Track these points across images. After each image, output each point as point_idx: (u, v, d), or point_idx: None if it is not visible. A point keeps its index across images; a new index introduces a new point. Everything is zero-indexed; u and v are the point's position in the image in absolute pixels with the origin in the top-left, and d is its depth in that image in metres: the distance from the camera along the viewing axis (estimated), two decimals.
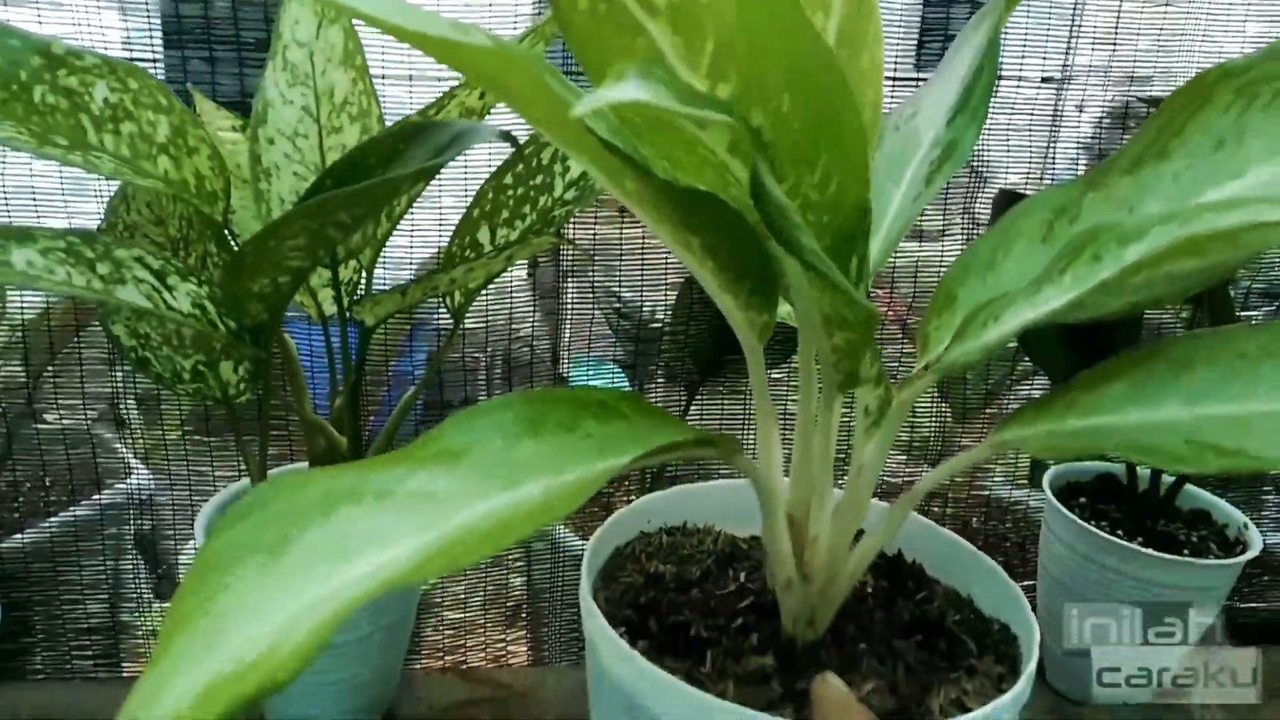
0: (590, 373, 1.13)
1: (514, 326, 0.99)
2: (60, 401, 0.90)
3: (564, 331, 1.02)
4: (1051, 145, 0.99)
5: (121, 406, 0.91)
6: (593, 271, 0.97)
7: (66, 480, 0.93)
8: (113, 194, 0.79)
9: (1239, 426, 0.44)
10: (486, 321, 0.96)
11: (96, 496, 0.93)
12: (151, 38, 0.82)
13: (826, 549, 0.60)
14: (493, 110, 0.75)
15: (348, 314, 0.74)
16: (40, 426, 0.93)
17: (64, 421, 0.92)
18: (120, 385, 0.90)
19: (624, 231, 0.92)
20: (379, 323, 0.70)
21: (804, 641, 0.60)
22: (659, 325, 1.00)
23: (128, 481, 0.95)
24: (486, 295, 0.91)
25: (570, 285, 1.03)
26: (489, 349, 1.02)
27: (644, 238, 0.93)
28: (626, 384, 1.21)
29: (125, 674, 0.95)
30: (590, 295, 0.99)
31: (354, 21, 0.73)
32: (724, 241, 0.49)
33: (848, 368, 0.54)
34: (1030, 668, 0.55)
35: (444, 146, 0.56)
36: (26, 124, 0.66)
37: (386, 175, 0.56)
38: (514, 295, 0.95)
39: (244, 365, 0.78)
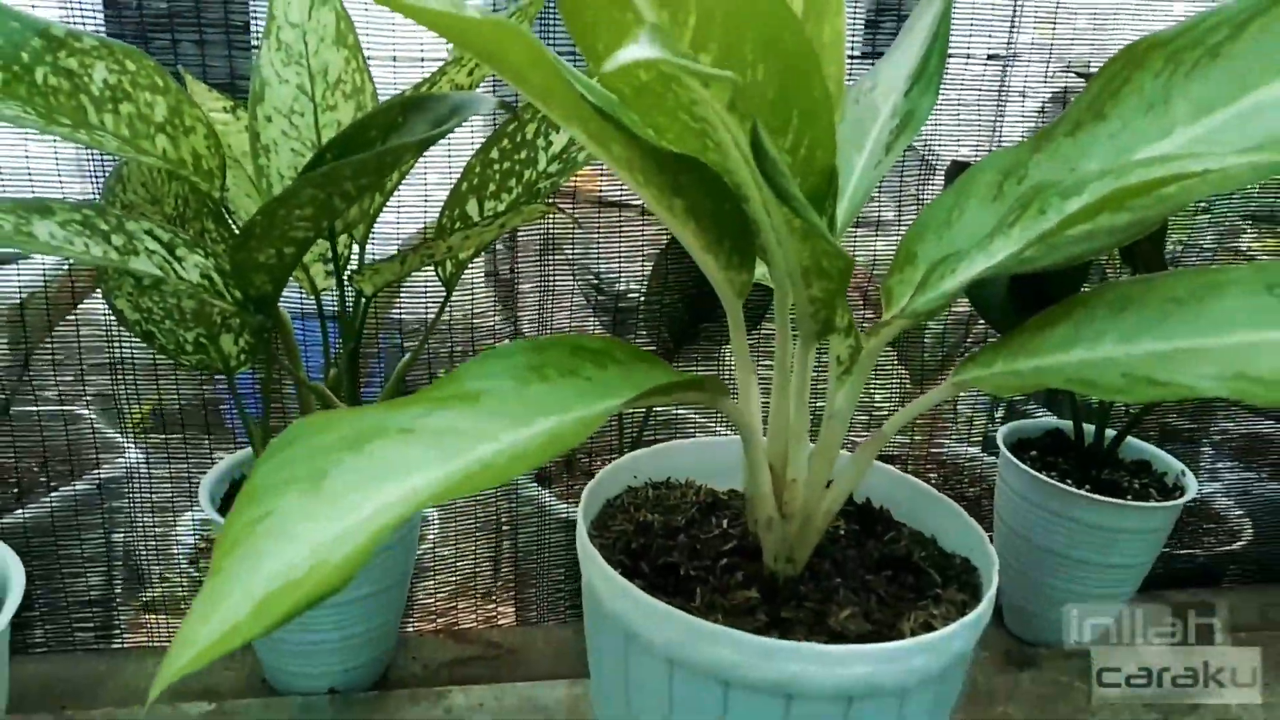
0: None
1: (474, 322, 1.02)
2: (57, 378, 0.92)
3: (521, 318, 1.06)
4: (999, 120, 1.05)
5: (118, 382, 0.93)
6: (569, 250, 1.01)
7: (64, 456, 0.96)
8: (107, 175, 0.82)
9: (1169, 360, 0.49)
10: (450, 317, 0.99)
11: (95, 471, 0.96)
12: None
13: (803, 490, 0.65)
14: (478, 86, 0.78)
15: (346, 284, 0.77)
16: (37, 405, 0.95)
17: (60, 398, 0.94)
18: (117, 361, 0.92)
19: (601, 215, 0.97)
20: (377, 291, 0.74)
21: (784, 576, 0.65)
22: (634, 298, 1.05)
23: (126, 456, 0.98)
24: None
25: (527, 269, 1.06)
26: (452, 341, 1.06)
27: (620, 224, 0.97)
28: None
29: (127, 644, 0.98)
30: (544, 280, 1.03)
31: (344, 2, 0.76)
32: (705, 203, 0.54)
33: (824, 316, 0.59)
34: (991, 591, 0.60)
35: (445, 117, 0.60)
36: (31, 104, 0.68)
37: (390, 144, 0.60)
38: (475, 290, 0.99)
39: (243, 337, 0.81)
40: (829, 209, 0.57)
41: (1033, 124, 1.14)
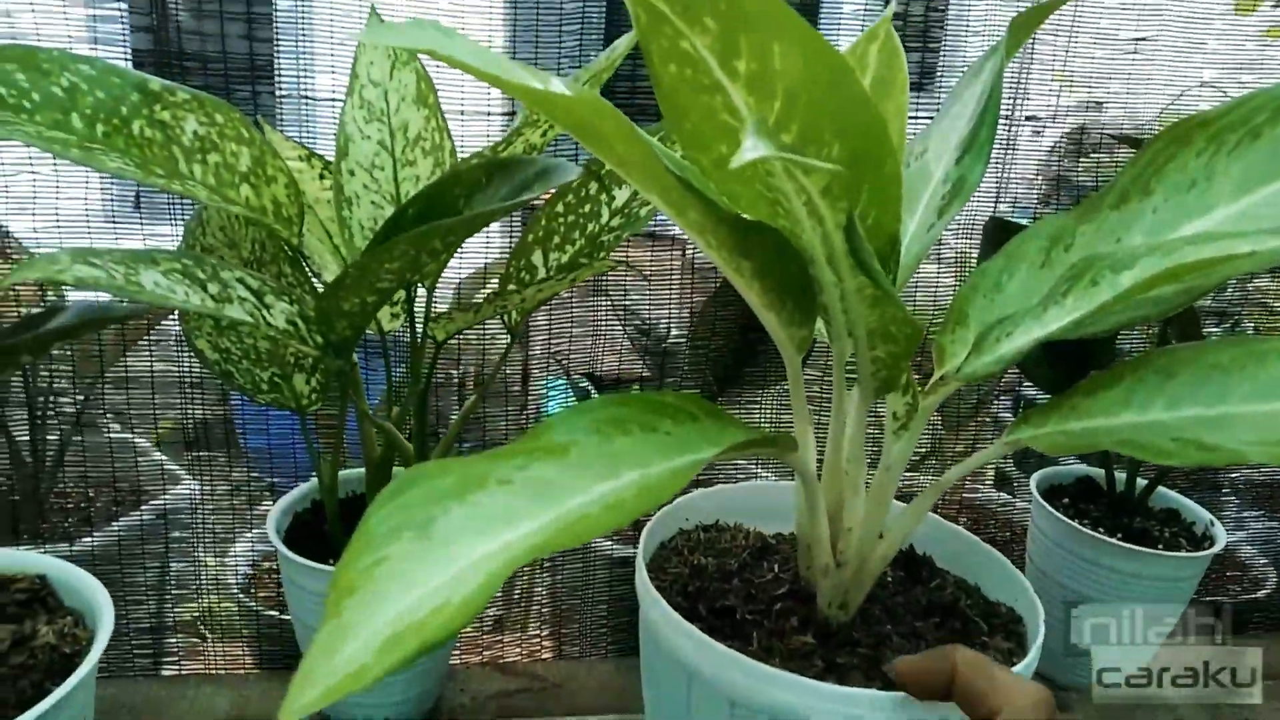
0: (560, 395, 1.21)
1: (486, 345, 1.05)
2: (130, 411, 0.96)
3: (573, 360, 1.09)
4: (1034, 179, 1.09)
5: (186, 419, 0.96)
6: (621, 293, 1.05)
7: (131, 486, 0.99)
8: (188, 218, 0.86)
9: (1216, 425, 0.51)
10: (460, 339, 1.02)
11: (160, 500, 0.99)
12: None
13: (858, 538, 0.67)
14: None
15: (420, 331, 0.81)
16: (102, 435, 0.99)
17: (128, 434, 0.98)
18: (185, 398, 0.96)
19: (653, 255, 1.01)
20: (449, 337, 0.78)
21: (837, 622, 0.68)
22: (678, 341, 1.08)
23: (189, 486, 1.01)
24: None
25: (580, 312, 1.10)
26: (460, 365, 1.09)
27: (670, 260, 1.01)
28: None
29: (184, 671, 1.01)
30: (593, 322, 1.06)
31: (424, 61, 0.80)
32: (771, 264, 0.57)
33: (885, 376, 0.62)
34: (1038, 642, 0.63)
35: (529, 182, 0.64)
36: (128, 155, 0.72)
37: (477, 210, 0.64)
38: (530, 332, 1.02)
39: (315, 377, 0.84)
40: (891, 273, 0.61)
41: (1051, 164, 1.18)
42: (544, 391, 1.18)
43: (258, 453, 1.08)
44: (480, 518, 0.42)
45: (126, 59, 0.88)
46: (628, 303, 1.11)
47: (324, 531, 0.86)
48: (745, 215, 0.55)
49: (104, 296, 0.79)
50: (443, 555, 0.40)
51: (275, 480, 1.04)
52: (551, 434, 0.50)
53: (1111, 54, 1.02)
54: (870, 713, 0.56)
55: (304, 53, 0.92)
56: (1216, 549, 1.01)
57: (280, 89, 0.91)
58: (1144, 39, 1.02)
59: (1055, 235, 0.69)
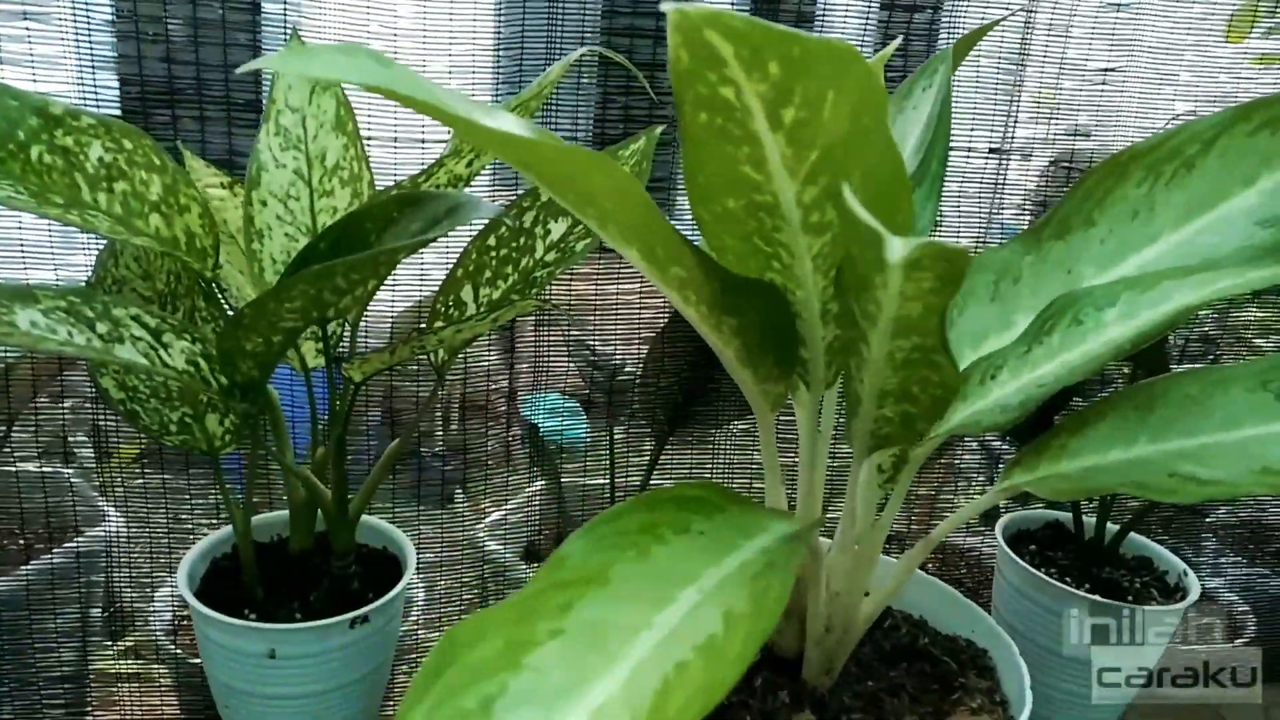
0: (545, 408, 1.17)
1: (469, 366, 1.02)
2: (40, 447, 0.91)
3: (518, 370, 1.05)
4: (997, 207, 1.05)
5: (104, 451, 0.92)
6: (567, 327, 1.00)
7: (41, 527, 0.94)
8: (101, 248, 0.81)
9: (1201, 457, 0.52)
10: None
11: (73, 543, 0.94)
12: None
13: (845, 600, 0.64)
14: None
15: (335, 369, 0.76)
16: (15, 470, 0.94)
17: (42, 468, 0.93)
18: (97, 433, 0.91)
19: (599, 288, 0.96)
20: (365, 379, 0.73)
21: (824, 689, 0.64)
22: (630, 376, 1.04)
23: (103, 528, 0.96)
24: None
25: (529, 327, 1.06)
26: (444, 388, 1.05)
27: (617, 294, 0.97)
28: (584, 419, 1.24)
29: None
30: (548, 334, 1.02)
31: (345, 87, 0.76)
32: (756, 322, 0.53)
33: (888, 434, 0.56)
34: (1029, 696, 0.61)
35: (440, 217, 0.60)
36: (24, 182, 0.68)
37: (385, 245, 0.59)
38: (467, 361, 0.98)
39: (229, 418, 0.79)
40: None
41: (1039, 193, 1.15)
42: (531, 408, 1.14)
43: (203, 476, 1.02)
44: (544, 689, 0.35)
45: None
46: (579, 335, 1.06)
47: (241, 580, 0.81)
48: (741, 271, 0.52)
49: None
50: None
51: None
52: (581, 559, 0.44)
53: (1084, 85, 0.99)
54: None
55: (235, 77, 0.88)
56: (1189, 600, 0.96)
57: (205, 113, 0.86)
58: (1114, 70, 0.98)
59: (1001, 268, 0.67)
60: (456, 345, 0.77)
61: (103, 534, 0.96)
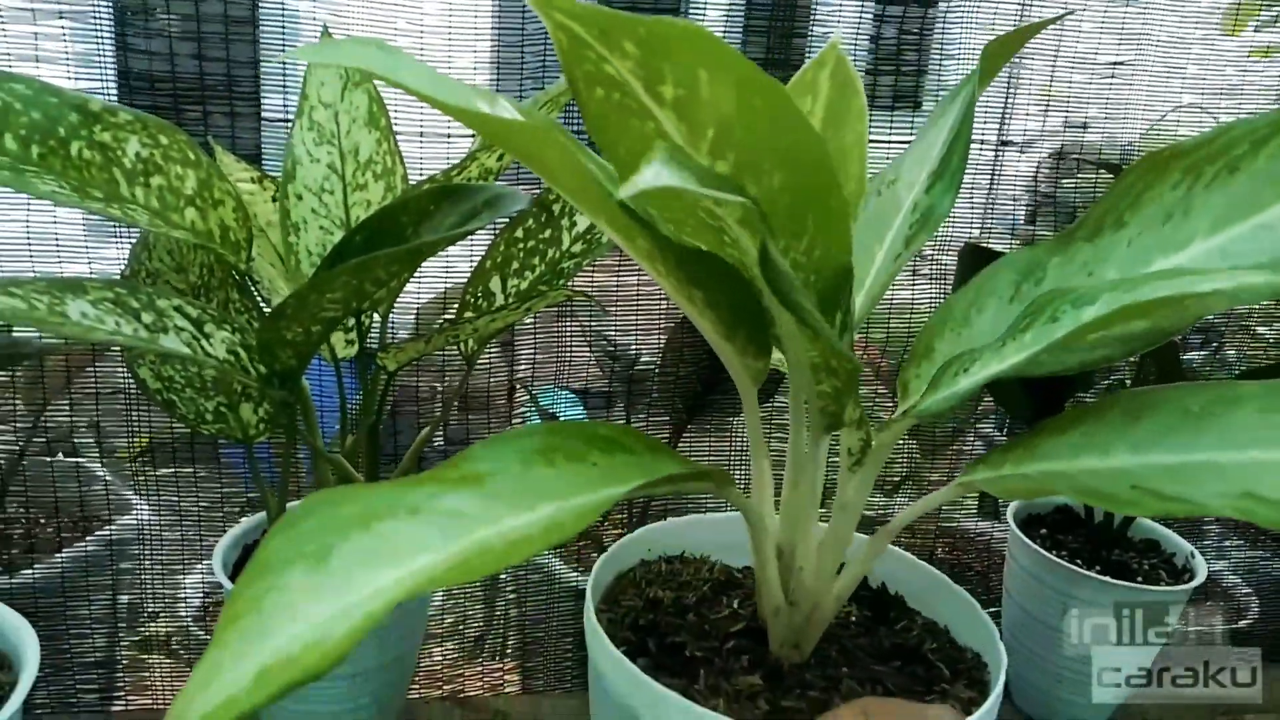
0: (548, 403, 1.19)
1: (490, 394, 1.03)
2: (74, 439, 0.92)
3: (519, 363, 1.06)
4: (1011, 205, 1.07)
5: (132, 443, 0.93)
6: (589, 317, 1.02)
7: (76, 516, 0.96)
8: (134, 241, 0.83)
9: (1179, 475, 0.49)
10: (443, 352, 1.00)
11: (106, 530, 0.96)
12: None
13: (812, 578, 0.65)
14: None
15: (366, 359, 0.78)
16: (50, 460, 0.96)
17: (75, 458, 0.95)
18: (133, 422, 0.93)
19: (620, 279, 0.98)
20: (400, 367, 0.75)
21: (790, 663, 0.65)
22: (647, 367, 1.06)
23: (133, 516, 0.98)
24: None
25: (544, 336, 1.08)
26: (445, 379, 1.06)
27: (639, 285, 0.99)
28: (581, 410, 1.26)
29: (131, 707, 0.97)
30: (552, 328, 1.04)
31: (376, 83, 0.78)
32: (723, 295, 0.55)
33: (833, 411, 0.59)
34: (997, 690, 0.60)
35: (477, 210, 0.61)
36: (65, 178, 0.70)
37: (424, 238, 0.61)
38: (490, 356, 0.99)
39: (263, 407, 0.81)
40: (843, 305, 0.57)
41: (1034, 186, 1.17)
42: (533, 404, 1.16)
43: (230, 469, 1.05)
44: (380, 549, 0.39)
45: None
46: (597, 325, 1.08)
47: None
48: (692, 244, 0.53)
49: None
50: (331, 588, 0.38)
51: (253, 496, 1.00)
52: (473, 463, 0.47)
53: (1092, 78, 1.01)
54: None
55: (264, 73, 0.90)
56: (1197, 581, 0.98)
57: (235, 109, 0.88)
58: (1122, 63, 1.00)
59: (1027, 269, 0.66)
60: (487, 335, 0.79)
61: (134, 522, 0.97)
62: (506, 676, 1.06)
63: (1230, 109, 1.08)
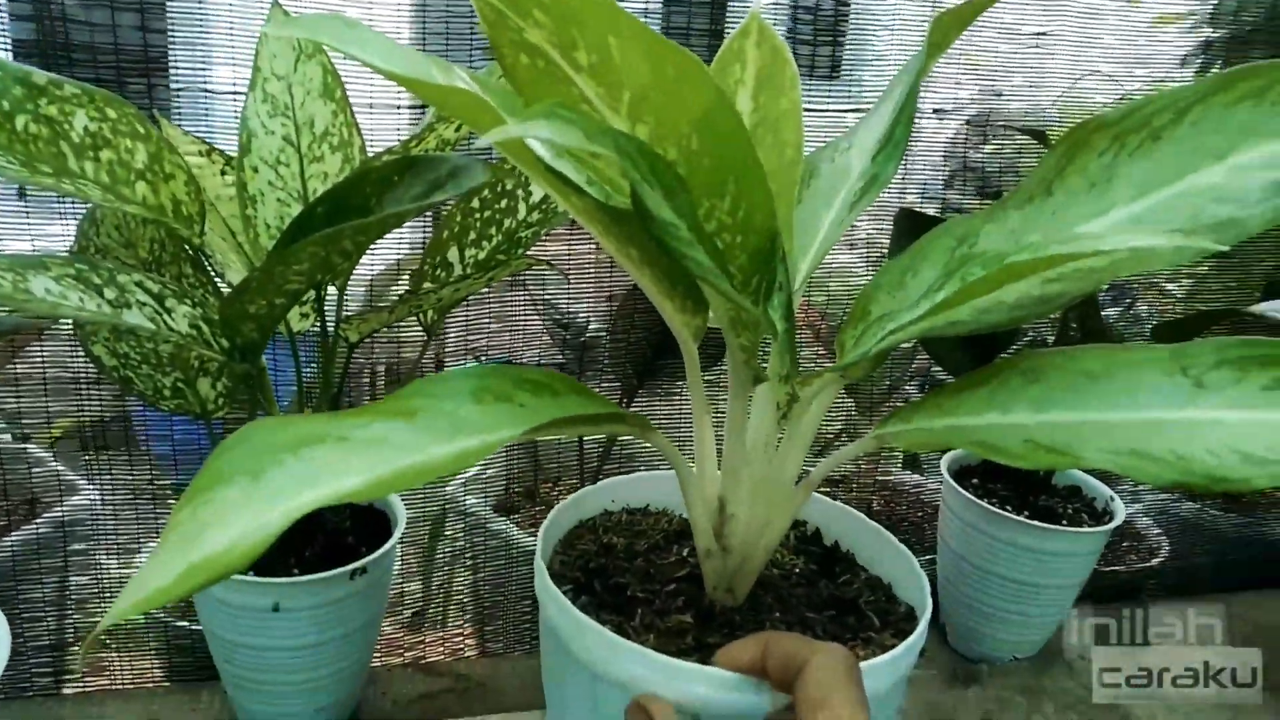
0: None
1: (401, 336, 1.03)
2: (22, 416, 0.91)
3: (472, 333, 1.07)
4: (939, 171, 1.12)
5: (84, 425, 0.92)
6: (540, 287, 1.04)
7: (24, 497, 0.94)
8: (81, 217, 0.82)
9: (1072, 431, 0.52)
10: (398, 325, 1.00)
11: (58, 511, 0.94)
12: None
13: (744, 525, 0.68)
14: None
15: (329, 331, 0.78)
16: None
17: (21, 441, 0.93)
18: (82, 398, 0.91)
19: (573, 248, 1.00)
20: (362, 339, 0.76)
21: (722, 606, 0.69)
22: (598, 334, 1.08)
23: (84, 496, 0.97)
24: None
25: (495, 305, 1.09)
26: (373, 357, 1.07)
27: (592, 254, 1.01)
28: None
29: (88, 689, 0.96)
30: (505, 297, 1.05)
31: (331, 54, 0.78)
32: (658, 252, 0.57)
33: (754, 365, 0.62)
34: (911, 639, 0.62)
35: (442, 181, 0.63)
36: (11, 152, 0.69)
37: (388, 210, 0.62)
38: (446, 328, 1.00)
39: (221, 381, 0.81)
40: (772, 264, 0.59)
41: (954, 152, 1.22)
42: None
43: (163, 457, 1.04)
44: (306, 471, 0.43)
45: (5, 49, 0.83)
46: (546, 295, 1.10)
47: None
48: (622, 203, 0.55)
49: None
50: (261, 500, 0.42)
51: (182, 481, 1.00)
52: (408, 399, 0.51)
53: (1013, 47, 1.05)
54: (713, 690, 0.56)
55: (202, 45, 0.88)
56: (1116, 523, 1.06)
57: (176, 82, 0.87)
58: (1045, 33, 1.05)
59: (962, 235, 0.70)
60: (447, 306, 0.80)
61: (85, 502, 0.96)
62: (467, 641, 1.08)
63: (1139, 77, 1.14)
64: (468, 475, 1.13)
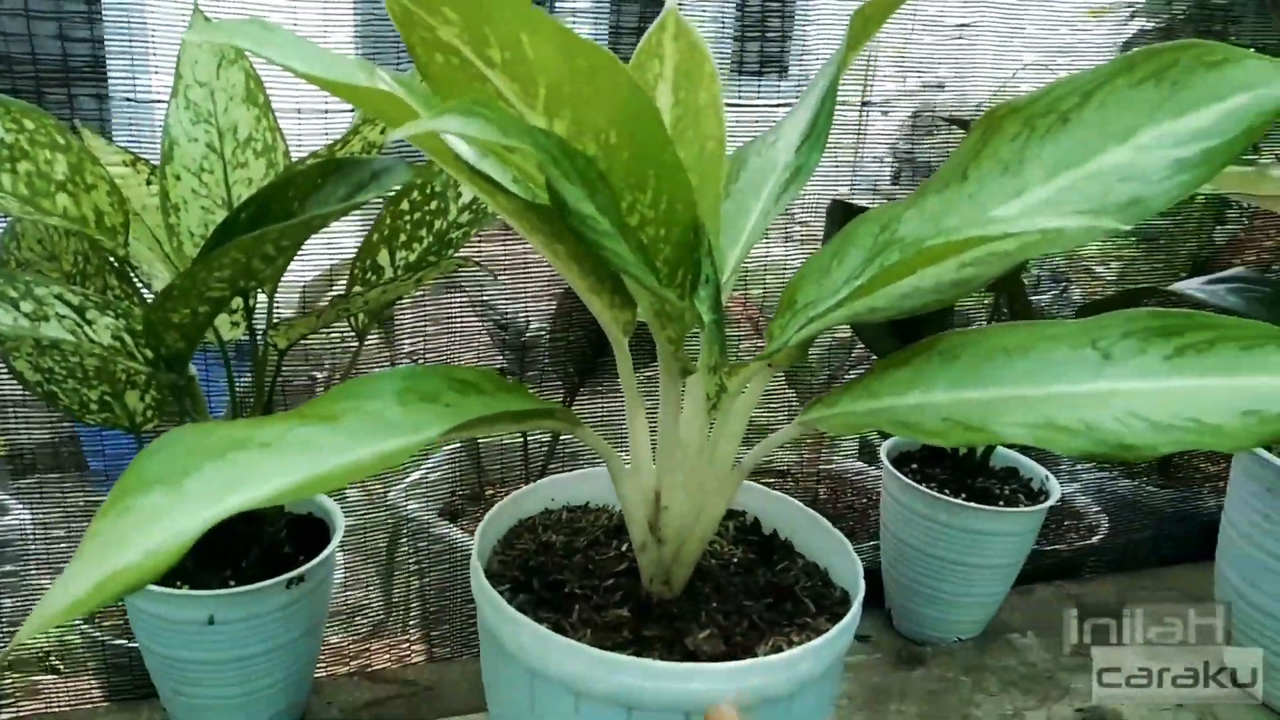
0: None
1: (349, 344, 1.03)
2: None
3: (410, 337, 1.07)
4: (874, 162, 1.14)
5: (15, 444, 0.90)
6: (477, 288, 1.04)
7: None
8: (1, 231, 0.80)
9: (988, 407, 0.54)
10: (324, 338, 1.00)
11: None
12: None
13: (678, 517, 0.69)
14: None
15: (257, 338, 0.78)
16: None
17: None
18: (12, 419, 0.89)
19: (508, 248, 1.00)
20: (291, 345, 0.75)
21: (659, 598, 0.70)
22: (538, 334, 1.08)
23: (14, 517, 0.94)
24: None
25: (431, 308, 1.08)
26: (325, 365, 1.06)
27: (527, 253, 1.01)
28: None
29: (23, 714, 0.94)
30: (442, 300, 1.05)
31: (254, 60, 0.77)
32: (585, 250, 0.57)
33: (680, 357, 0.63)
34: (844, 622, 0.64)
35: (364, 183, 0.63)
36: None
37: (314, 212, 0.62)
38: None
39: (150, 394, 0.80)
40: (697, 256, 0.60)
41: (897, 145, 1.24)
42: None
43: (96, 474, 1.03)
44: (229, 476, 0.43)
45: None
46: (485, 297, 1.09)
47: None
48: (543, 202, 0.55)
49: None
50: (180, 509, 0.42)
51: None
52: (334, 403, 0.51)
53: (943, 40, 1.07)
54: (647, 681, 0.57)
55: (135, 52, 0.87)
56: (1051, 502, 1.08)
57: (115, 92, 0.85)
58: (968, 25, 1.07)
59: (885, 222, 0.71)
60: (378, 309, 0.80)
61: (15, 523, 0.94)
62: (414, 647, 1.07)
63: (1066, 66, 1.17)
64: (410, 480, 1.12)
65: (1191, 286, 0.90)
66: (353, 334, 0.84)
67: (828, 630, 0.65)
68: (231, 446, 0.45)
